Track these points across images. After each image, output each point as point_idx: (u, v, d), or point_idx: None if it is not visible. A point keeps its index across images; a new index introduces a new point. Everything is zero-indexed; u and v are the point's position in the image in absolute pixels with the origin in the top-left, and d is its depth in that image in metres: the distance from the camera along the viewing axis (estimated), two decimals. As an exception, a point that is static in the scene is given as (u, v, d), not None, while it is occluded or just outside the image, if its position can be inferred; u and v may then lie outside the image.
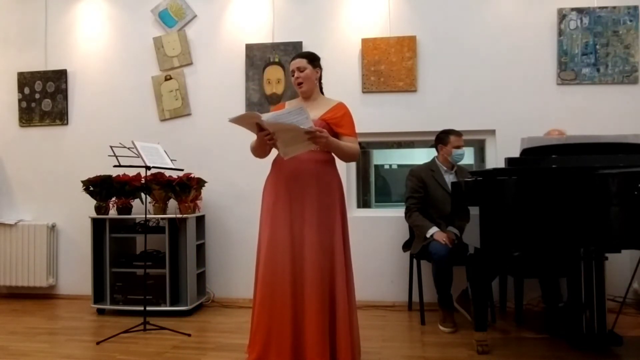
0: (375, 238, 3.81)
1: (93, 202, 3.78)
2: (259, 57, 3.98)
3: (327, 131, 2.27)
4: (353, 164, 3.99)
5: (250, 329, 2.38)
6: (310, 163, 2.35)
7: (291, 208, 2.33)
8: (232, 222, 3.98)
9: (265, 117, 2.14)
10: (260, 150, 2.38)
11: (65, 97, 4.27)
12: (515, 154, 2.69)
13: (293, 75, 2.49)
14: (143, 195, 3.66)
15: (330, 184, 2.40)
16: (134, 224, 3.82)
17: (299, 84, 2.47)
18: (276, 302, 2.26)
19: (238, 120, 2.16)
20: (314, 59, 2.51)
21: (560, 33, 3.67)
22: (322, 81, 2.60)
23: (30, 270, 4.14)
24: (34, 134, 4.34)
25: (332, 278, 2.31)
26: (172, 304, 3.56)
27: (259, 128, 2.16)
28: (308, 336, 2.23)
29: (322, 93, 2.60)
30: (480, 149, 4.09)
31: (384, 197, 5.47)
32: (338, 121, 2.42)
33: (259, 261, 2.39)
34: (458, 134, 3.38)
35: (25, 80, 4.33)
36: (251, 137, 2.32)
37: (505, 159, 2.54)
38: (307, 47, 3.89)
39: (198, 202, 3.77)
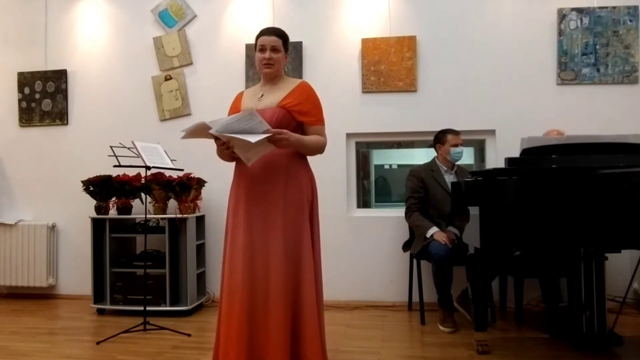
0: (375, 238, 3.81)
1: (93, 202, 3.78)
2: (259, 57, 3.97)
3: (288, 117, 2.09)
4: (353, 164, 3.99)
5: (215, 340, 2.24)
6: (275, 158, 2.09)
7: (253, 212, 2.10)
8: (232, 222, 3.98)
9: (215, 128, 1.94)
10: (224, 158, 2.17)
11: (65, 97, 4.27)
12: (515, 154, 2.69)
13: (262, 52, 2.15)
14: (143, 195, 3.66)
15: (297, 179, 2.15)
16: (134, 224, 3.82)
17: (269, 64, 2.15)
18: (234, 312, 2.07)
19: (192, 135, 2.00)
20: (287, 41, 2.23)
21: (560, 33, 3.67)
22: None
23: (30, 270, 4.13)
24: (34, 134, 4.34)
25: (298, 283, 2.11)
26: (172, 304, 3.56)
27: (216, 137, 1.98)
28: (270, 346, 2.05)
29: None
30: (480, 149, 4.09)
31: (384, 197, 5.47)
32: (301, 107, 2.11)
33: (223, 270, 2.21)
34: (455, 132, 3.39)
35: (25, 80, 4.33)
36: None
37: (505, 159, 2.54)
38: (307, 47, 3.90)
39: (198, 202, 3.76)
